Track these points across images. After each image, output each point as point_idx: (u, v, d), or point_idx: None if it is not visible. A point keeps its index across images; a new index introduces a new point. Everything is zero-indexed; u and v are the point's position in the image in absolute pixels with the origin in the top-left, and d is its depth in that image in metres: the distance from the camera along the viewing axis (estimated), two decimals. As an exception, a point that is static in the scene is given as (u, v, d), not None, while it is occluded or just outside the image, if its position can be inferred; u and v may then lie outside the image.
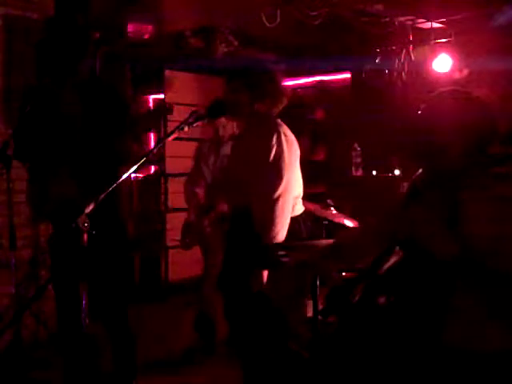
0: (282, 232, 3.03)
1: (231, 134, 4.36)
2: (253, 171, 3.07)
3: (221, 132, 4.38)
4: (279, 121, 3.14)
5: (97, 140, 3.03)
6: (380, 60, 6.40)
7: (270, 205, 3.00)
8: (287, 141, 3.07)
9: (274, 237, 3.01)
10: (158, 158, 6.60)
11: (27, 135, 3.11)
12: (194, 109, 2.69)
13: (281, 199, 3.01)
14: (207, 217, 4.35)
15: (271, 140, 3.02)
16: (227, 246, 3.32)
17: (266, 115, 3.15)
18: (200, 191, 4.52)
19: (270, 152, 3.01)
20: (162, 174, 6.63)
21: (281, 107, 3.19)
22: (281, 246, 3.06)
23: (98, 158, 3.02)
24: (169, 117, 6.59)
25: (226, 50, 6.04)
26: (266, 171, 3.03)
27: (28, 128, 3.11)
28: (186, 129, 2.55)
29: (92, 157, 3.01)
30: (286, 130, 3.11)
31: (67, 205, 2.92)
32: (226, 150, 4.37)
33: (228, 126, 4.36)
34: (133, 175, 6.07)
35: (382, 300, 2.04)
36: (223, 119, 4.15)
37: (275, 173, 3.02)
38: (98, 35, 3.06)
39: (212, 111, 2.75)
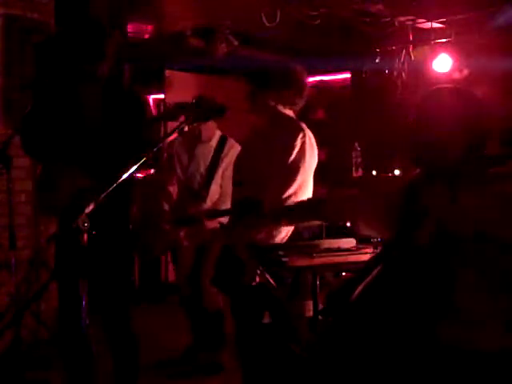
0: (284, 232, 3.04)
1: (210, 136, 4.31)
2: (268, 170, 3.04)
3: (203, 132, 4.28)
4: (304, 124, 3.13)
5: (114, 139, 3.02)
6: (380, 60, 6.40)
7: (278, 204, 2.98)
8: (310, 144, 3.07)
9: (276, 235, 3.02)
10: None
11: (39, 127, 3.10)
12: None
13: (289, 200, 3.00)
14: (185, 228, 4.22)
15: (295, 140, 3.01)
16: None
17: (290, 117, 3.15)
18: (173, 190, 4.41)
19: (292, 151, 3.00)
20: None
21: (302, 104, 3.19)
22: (281, 246, 3.07)
23: (114, 156, 3.01)
24: (168, 117, 6.59)
25: (225, 50, 6.04)
26: (282, 169, 3.01)
27: (40, 120, 3.10)
28: (186, 129, 2.54)
29: (108, 156, 3.00)
30: (310, 134, 3.10)
31: (78, 201, 2.91)
32: (202, 151, 4.33)
33: (210, 127, 4.28)
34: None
35: (381, 298, 2.04)
36: None
37: (290, 173, 3.01)
38: (118, 35, 3.06)
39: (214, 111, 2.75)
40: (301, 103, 3.19)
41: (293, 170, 3.01)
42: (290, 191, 3.00)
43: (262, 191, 2.98)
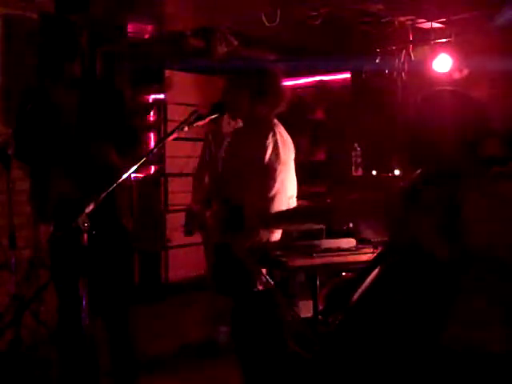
0: (275, 232, 3.05)
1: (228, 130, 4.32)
2: (247, 169, 3.07)
3: (224, 129, 4.33)
4: (276, 121, 3.14)
5: (94, 139, 3.02)
6: (380, 60, 6.40)
7: (264, 205, 3.00)
8: (282, 141, 3.07)
9: (271, 236, 3.03)
10: (158, 158, 6.60)
11: (26, 135, 3.11)
12: (194, 109, 2.69)
13: (275, 199, 3.01)
14: (209, 208, 4.34)
15: (267, 139, 3.02)
16: (220, 244, 3.31)
17: (262, 116, 3.15)
18: (207, 179, 4.50)
19: (266, 151, 3.01)
20: (162, 174, 6.63)
21: (280, 109, 3.18)
22: (279, 245, 3.07)
23: (95, 157, 3.01)
24: (169, 117, 6.59)
25: (225, 49, 6.04)
26: (260, 170, 3.03)
27: (27, 128, 3.11)
28: (186, 129, 2.55)
29: (90, 156, 3.00)
30: (281, 129, 3.12)
31: (67, 205, 2.92)
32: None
33: (232, 123, 4.32)
34: (133, 175, 6.08)
35: (383, 299, 2.04)
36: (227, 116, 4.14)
37: (270, 173, 3.02)
38: (89, 34, 3.06)
39: (214, 109, 2.77)
40: (277, 112, 3.18)
41: (271, 170, 3.02)
42: (274, 191, 3.02)
43: (242, 192, 3.03)
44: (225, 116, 4.21)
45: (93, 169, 2.98)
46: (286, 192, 3.08)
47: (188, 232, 4.45)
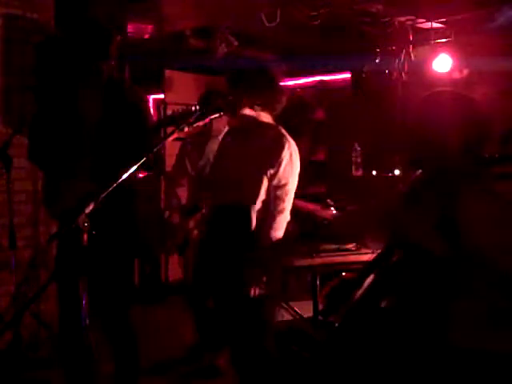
0: (279, 233, 3.03)
1: (221, 129, 4.28)
2: (258, 176, 3.05)
3: (214, 125, 4.27)
4: (284, 131, 3.12)
5: (114, 140, 3.02)
6: (380, 60, 6.40)
7: (270, 220, 3.00)
8: (295, 150, 3.07)
9: (273, 238, 3.00)
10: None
11: (42, 134, 3.10)
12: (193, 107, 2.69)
13: (285, 212, 3.01)
14: (193, 218, 4.31)
15: (282, 150, 3.00)
16: (203, 250, 3.27)
17: (271, 124, 3.13)
18: (182, 190, 4.46)
19: (281, 163, 3.00)
20: (162, 173, 6.63)
21: (280, 108, 3.17)
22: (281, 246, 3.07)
23: (114, 158, 3.00)
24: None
25: (225, 49, 6.04)
26: (273, 182, 3.02)
27: (43, 127, 3.09)
28: (185, 129, 2.54)
29: (109, 157, 3.00)
30: (290, 138, 3.10)
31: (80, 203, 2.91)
32: (212, 146, 4.32)
33: (221, 121, 4.26)
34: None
35: (384, 299, 2.04)
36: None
37: (283, 187, 3.02)
38: (120, 37, 3.04)
39: (215, 109, 2.76)
40: (279, 108, 3.16)
41: (284, 185, 3.02)
42: (285, 204, 3.02)
43: (249, 198, 3.01)
44: (214, 124, 4.18)
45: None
46: (291, 202, 3.08)
47: (168, 250, 4.39)
